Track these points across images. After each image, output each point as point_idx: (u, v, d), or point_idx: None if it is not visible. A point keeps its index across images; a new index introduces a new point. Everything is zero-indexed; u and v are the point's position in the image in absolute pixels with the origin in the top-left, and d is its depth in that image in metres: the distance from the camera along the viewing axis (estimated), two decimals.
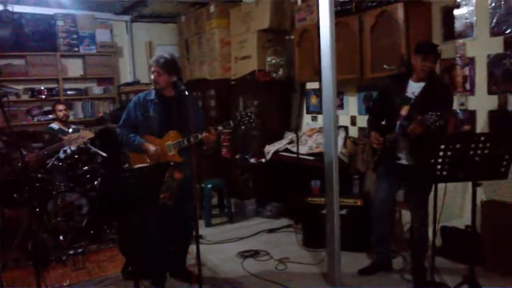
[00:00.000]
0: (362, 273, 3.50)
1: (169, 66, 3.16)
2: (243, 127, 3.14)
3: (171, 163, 2.71)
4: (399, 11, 3.80)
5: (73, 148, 4.46)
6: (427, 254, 3.43)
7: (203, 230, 3.98)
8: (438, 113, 2.85)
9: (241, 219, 5.14)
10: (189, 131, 3.11)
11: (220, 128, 3.10)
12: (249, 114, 3.12)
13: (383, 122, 3.40)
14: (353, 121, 4.70)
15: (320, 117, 5.18)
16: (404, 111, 3.18)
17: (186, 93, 2.95)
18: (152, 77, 3.19)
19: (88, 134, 2.94)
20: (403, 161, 3.26)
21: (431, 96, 3.10)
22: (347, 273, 3.43)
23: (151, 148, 3.16)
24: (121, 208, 2.31)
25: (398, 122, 3.20)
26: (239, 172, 5.51)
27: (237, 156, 5.65)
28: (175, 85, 3.09)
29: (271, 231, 4.63)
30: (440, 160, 2.69)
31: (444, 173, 2.72)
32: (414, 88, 3.18)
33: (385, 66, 3.89)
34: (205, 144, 3.13)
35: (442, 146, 2.59)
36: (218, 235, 4.55)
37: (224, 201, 5.20)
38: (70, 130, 5.17)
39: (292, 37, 5.33)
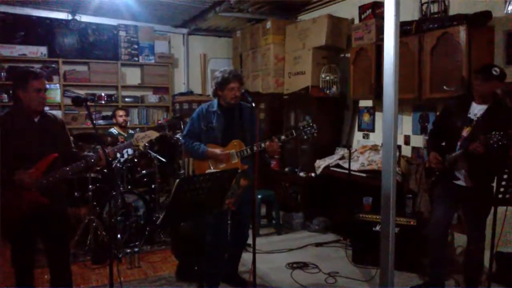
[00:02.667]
0: None
1: (243, 79, 3.33)
2: (305, 137, 3.22)
3: (239, 170, 2.83)
4: (461, 34, 3.81)
5: (130, 152, 4.69)
6: (482, 279, 3.39)
7: (251, 239, 4.05)
8: (502, 133, 2.85)
9: (288, 231, 5.20)
10: (252, 140, 3.24)
11: (283, 137, 3.20)
12: (311, 124, 3.21)
13: (443, 143, 3.40)
14: (407, 140, 4.70)
15: (372, 134, 5.21)
16: (465, 132, 3.18)
17: (253, 104, 3.07)
18: (235, 92, 3.26)
19: (154, 133, 3.08)
20: (461, 182, 3.25)
21: (494, 118, 3.09)
22: None
23: (218, 151, 3.28)
24: (192, 211, 2.43)
25: (459, 143, 3.20)
26: (287, 185, 5.58)
27: (286, 169, 5.74)
28: (243, 96, 3.21)
29: (318, 245, 4.66)
30: (503, 183, 2.69)
31: (507, 196, 2.72)
32: (476, 110, 3.18)
33: (445, 87, 3.91)
34: (268, 153, 3.23)
35: (507, 170, 2.59)
36: (266, 245, 4.63)
37: (273, 212, 5.28)
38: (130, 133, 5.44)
39: (347, 55, 5.42)
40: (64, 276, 2.96)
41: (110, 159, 2.78)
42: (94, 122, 6.57)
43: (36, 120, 2.76)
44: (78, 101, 2.76)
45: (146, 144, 3.08)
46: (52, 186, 2.72)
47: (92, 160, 2.81)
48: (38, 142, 2.72)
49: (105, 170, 4.03)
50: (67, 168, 2.74)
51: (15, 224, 2.71)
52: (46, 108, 2.99)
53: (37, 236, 2.90)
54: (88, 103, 2.76)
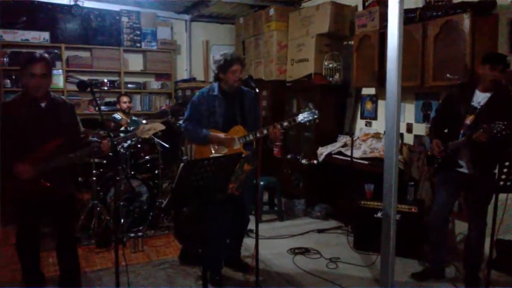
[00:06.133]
0: (415, 277, 3.53)
1: (244, 63, 3.32)
2: (307, 124, 3.23)
3: (243, 155, 2.84)
4: (465, 22, 3.81)
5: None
6: (482, 265, 3.44)
7: (253, 225, 4.10)
8: (505, 123, 2.87)
9: (290, 217, 5.25)
10: (254, 126, 3.25)
11: (285, 124, 3.20)
12: (313, 110, 3.22)
13: (446, 131, 3.42)
14: (409, 128, 4.72)
15: (374, 122, 5.22)
16: (468, 120, 3.19)
17: (257, 90, 3.08)
18: (238, 75, 3.23)
19: (160, 126, 3.10)
20: (464, 170, 3.28)
21: (497, 106, 3.11)
22: (398, 278, 3.46)
23: (221, 135, 3.27)
24: (196, 195, 2.46)
25: (462, 131, 3.22)
26: (289, 171, 5.62)
27: (289, 156, 5.77)
28: (247, 82, 3.21)
29: (320, 231, 4.71)
30: (505, 170, 2.71)
31: (508, 183, 2.74)
32: (480, 98, 3.20)
33: (448, 75, 3.91)
34: (270, 140, 3.24)
35: (508, 158, 2.61)
36: (269, 231, 4.67)
37: (275, 199, 5.32)
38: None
39: (350, 42, 5.40)
40: (72, 259, 3.00)
41: (113, 148, 2.80)
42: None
43: (43, 105, 2.77)
44: (83, 86, 2.77)
45: (152, 135, 3.10)
46: (55, 170, 2.74)
47: (96, 149, 2.82)
48: (44, 127, 2.73)
49: (110, 154, 4.06)
50: (71, 155, 2.76)
51: (19, 207, 2.75)
52: None
53: (43, 220, 2.93)
54: (93, 88, 2.77)
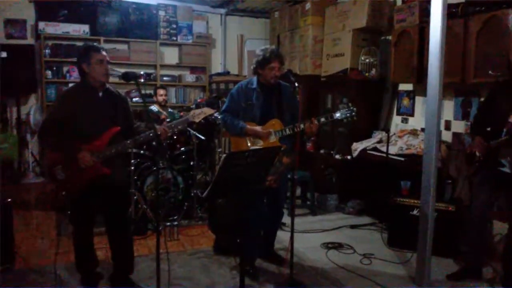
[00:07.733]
0: (451, 278, 3.48)
1: (283, 59, 3.34)
2: (345, 120, 3.23)
3: (282, 148, 2.86)
4: (510, 17, 3.71)
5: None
6: None
7: (285, 219, 4.14)
8: None
9: (322, 212, 5.25)
10: (291, 120, 3.27)
11: (322, 119, 3.21)
12: (351, 107, 3.21)
13: (488, 129, 3.34)
14: (448, 125, 4.62)
15: (411, 119, 5.15)
16: None
17: (296, 84, 3.10)
18: (275, 72, 3.26)
19: (209, 110, 3.16)
20: (506, 169, 3.20)
21: None
22: (433, 277, 3.42)
23: (258, 128, 3.32)
24: (236, 186, 2.50)
25: (505, 129, 3.14)
26: (323, 166, 5.60)
27: (322, 151, 5.76)
28: (286, 76, 3.23)
29: (353, 226, 4.69)
30: None
31: None
32: None
33: (490, 71, 3.82)
34: (306, 134, 3.26)
35: None
36: (301, 225, 4.68)
37: (308, 193, 5.32)
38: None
39: (388, 37, 5.34)
40: (127, 247, 3.10)
41: (168, 134, 2.91)
42: (134, 100, 6.75)
43: (100, 94, 2.89)
44: (127, 77, 2.84)
45: (202, 120, 3.18)
46: (113, 158, 2.87)
47: (151, 135, 2.90)
48: (102, 115, 2.85)
49: (153, 144, 4.16)
50: (128, 141, 2.88)
51: (78, 194, 2.87)
52: None
53: (99, 208, 3.02)
54: (139, 81, 2.85)
